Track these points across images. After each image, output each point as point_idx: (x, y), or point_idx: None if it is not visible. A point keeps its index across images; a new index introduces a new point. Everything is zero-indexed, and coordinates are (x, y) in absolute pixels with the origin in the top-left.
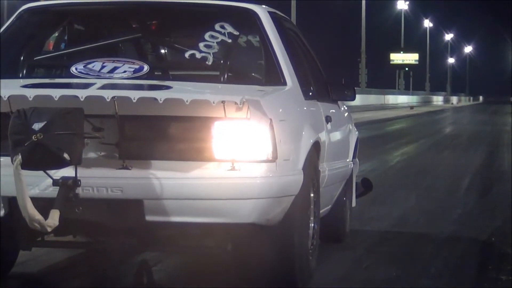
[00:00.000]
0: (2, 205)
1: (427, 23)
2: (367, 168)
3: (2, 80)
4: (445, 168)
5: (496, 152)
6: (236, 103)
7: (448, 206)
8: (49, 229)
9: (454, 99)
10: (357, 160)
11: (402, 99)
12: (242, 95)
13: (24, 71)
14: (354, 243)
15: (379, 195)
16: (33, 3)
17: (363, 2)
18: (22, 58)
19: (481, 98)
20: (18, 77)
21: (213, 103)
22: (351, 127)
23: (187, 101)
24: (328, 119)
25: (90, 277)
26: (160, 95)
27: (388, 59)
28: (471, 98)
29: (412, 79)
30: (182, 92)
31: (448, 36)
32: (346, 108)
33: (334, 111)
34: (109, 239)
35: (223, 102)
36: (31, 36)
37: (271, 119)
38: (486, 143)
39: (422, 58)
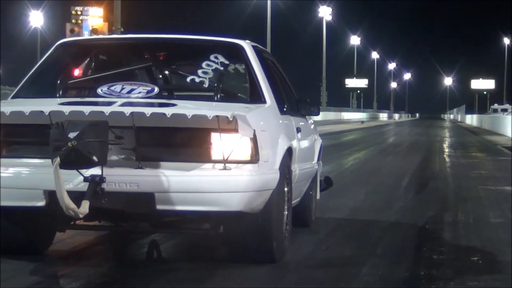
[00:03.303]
0: (44, 197)
1: (375, 55)
2: (327, 169)
3: (43, 99)
4: (389, 170)
5: (429, 157)
6: (227, 117)
7: (391, 200)
8: (81, 216)
9: (396, 116)
10: (320, 162)
11: (355, 115)
12: (232, 111)
13: (60, 92)
14: (317, 229)
15: (337, 191)
16: (68, 38)
17: (324, 38)
18: (58, 82)
19: (417, 115)
20: (56, 97)
21: (210, 117)
22: (316, 137)
23: (189, 116)
24: (298, 129)
25: (106, 255)
26: (168, 111)
27: (344, 83)
28: (410, 115)
29: (362, 99)
30: (185, 108)
31: (391, 65)
32: (312, 121)
33: (303, 123)
34: (127, 224)
35: (217, 116)
36: (65, 64)
37: (254, 130)
38: (421, 150)
39: (370, 83)
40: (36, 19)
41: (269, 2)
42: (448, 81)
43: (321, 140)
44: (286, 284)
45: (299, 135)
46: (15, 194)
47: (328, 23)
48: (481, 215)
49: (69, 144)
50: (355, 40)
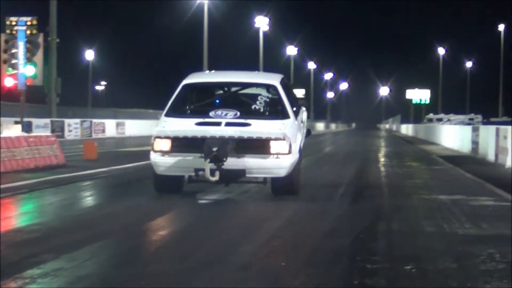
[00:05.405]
0: (192, 170)
1: (312, 65)
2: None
3: (182, 119)
4: (326, 179)
5: (365, 166)
6: (280, 138)
7: (327, 209)
8: (213, 180)
9: (333, 125)
10: (305, 121)
11: None
12: (283, 131)
13: (188, 112)
14: (258, 237)
15: (274, 199)
16: (190, 80)
17: (261, 48)
18: (186, 107)
19: (354, 124)
20: (185, 117)
21: (273, 138)
22: (304, 110)
23: (263, 137)
24: (301, 120)
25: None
26: (247, 134)
27: None
28: (347, 124)
29: None
30: (257, 129)
31: (328, 76)
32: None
33: (301, 112)
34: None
35: (276, 138)
36: (190, 95)
37: (290, 139)
38: (358, 160)
39: (307, 93)
40: None
41: (206, 12)
42: (384, 91)
43: (306, 111)
44: None
45: (302, 124)
46: (182, 169)
47: (265, 33)
48: (415, 224)
49: (213, 152)
50: (292, 50)
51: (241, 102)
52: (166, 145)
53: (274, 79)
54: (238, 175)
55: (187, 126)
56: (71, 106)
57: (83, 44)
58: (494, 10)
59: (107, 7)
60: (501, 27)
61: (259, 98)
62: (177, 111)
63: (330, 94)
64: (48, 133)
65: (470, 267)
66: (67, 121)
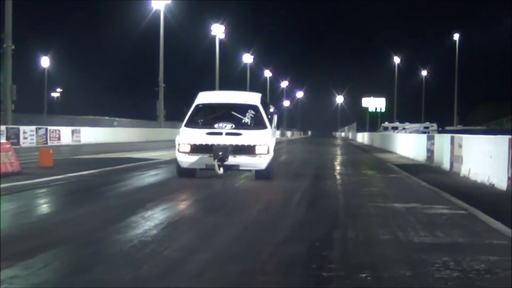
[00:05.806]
0: (205, 165)
1: (268, 73)
2: (218, 188)
3: (198, 129)
4: (281, 188)
5: (321, 175)
6: (263, 144)
7: (282, 217)
8: (220, 173)
9: (289, 133)
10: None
11: None
12: (263, 139)
13: (199, 124)
14: (213, 245)
15: (229, 209)
16: (199, 101)
17: (217, 56)
18: (199, 120)
19: (309, 132)
20: (198, 127)
21: (259, 144)
22: (275, 115)
23: (251, 144)
24: (274, 126)
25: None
26: (241, 142)
27: None
28: (302, 132)
29: None
30: (247, 137)
31: (284, 84)
32: (271, 106)
33: (273, 118)
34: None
35: (260, 144)
36: (200, 112)
37: (268, 143)
38: (313, 168)
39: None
40: None
41: (162, 19)
42: (339, 99)
43: (276, 113)
44: None
45: (274, 128)
46: (197, 164)
47: (222, 42)
48: (371, 232)
49: (219, 155)
50: (248, 58)
51: (235, 117)
52: (187, 148)
53: (256, 100)
54: (234, 168)
55: (200, 136)
56: (26, 113)
57: (39, 51)
58: (450, 21)
59: (63, 15)
60: (456, 37)
61: (246, 114)
62: (192, 123)
63: (286, 102)
64: (3, 140)
65: (425, 275)
66: (22, 128)
